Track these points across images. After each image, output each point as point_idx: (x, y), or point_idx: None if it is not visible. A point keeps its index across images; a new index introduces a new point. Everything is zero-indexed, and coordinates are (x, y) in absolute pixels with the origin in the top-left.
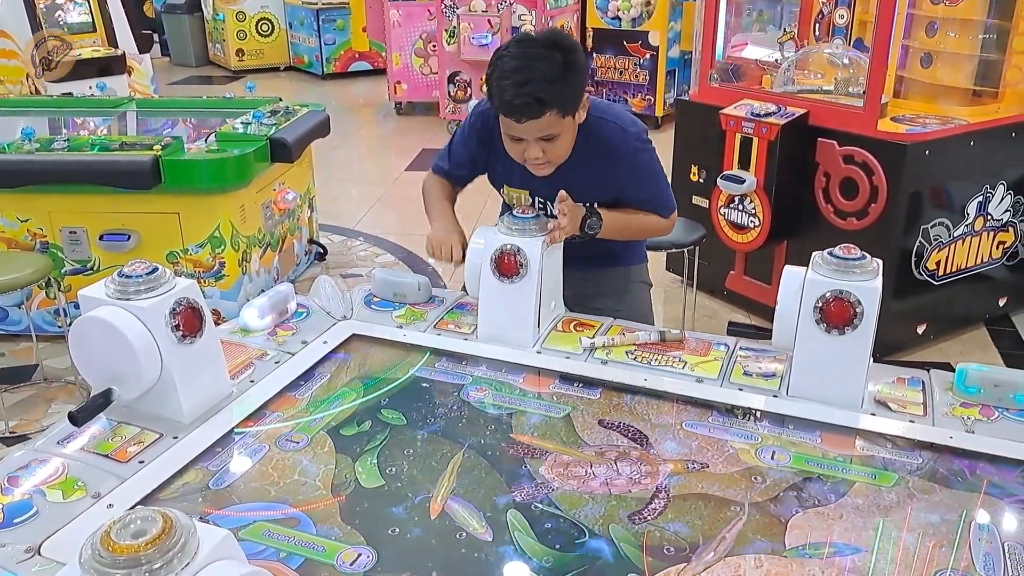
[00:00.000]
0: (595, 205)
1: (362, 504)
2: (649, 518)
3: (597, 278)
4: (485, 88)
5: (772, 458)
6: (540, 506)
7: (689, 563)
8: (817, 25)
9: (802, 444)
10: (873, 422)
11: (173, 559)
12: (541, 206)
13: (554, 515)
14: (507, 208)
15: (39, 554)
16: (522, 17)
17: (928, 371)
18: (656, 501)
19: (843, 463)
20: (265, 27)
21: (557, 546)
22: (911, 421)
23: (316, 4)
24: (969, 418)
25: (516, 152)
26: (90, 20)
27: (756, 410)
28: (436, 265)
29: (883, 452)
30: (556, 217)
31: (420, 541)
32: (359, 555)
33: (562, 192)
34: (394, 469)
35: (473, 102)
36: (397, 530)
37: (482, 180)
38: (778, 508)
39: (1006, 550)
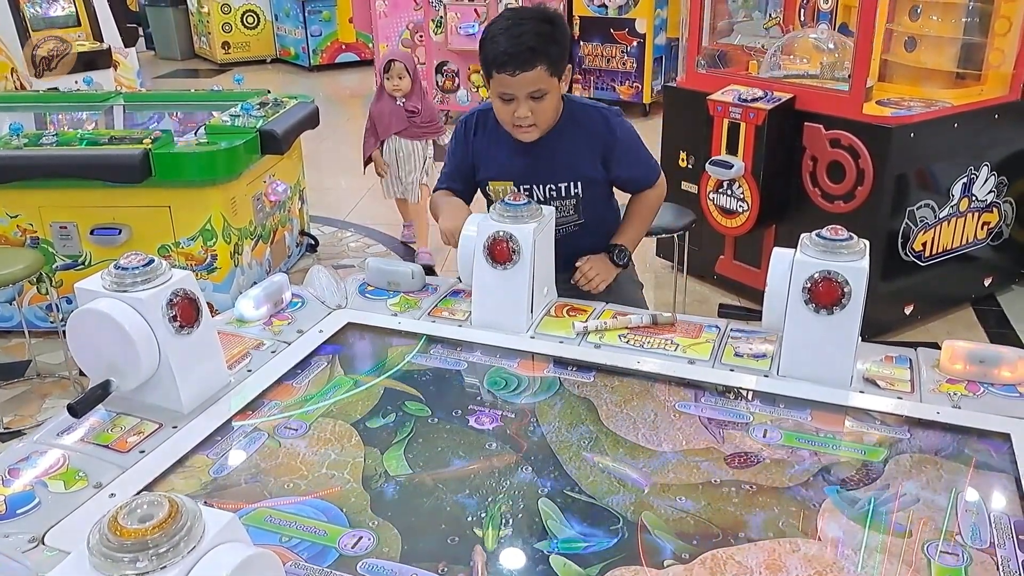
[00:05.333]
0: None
1: (398, 496)
2: None
3: None
4: (479, 53)
5: (764, 436)
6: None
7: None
8: (802, 10)
9: (793, 422)
10: (862, 399)
11: (179, 543)
12: (527, 191)
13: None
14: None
15: (43, 543)
16: (508, 7)
17: (915, 349)
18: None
19: (833, 440)
20: (251, 19)
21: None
22: (899, 398)
23: None
24: (955, 394)
25: (506, 115)
26: (74, 14)
27: (747, 390)
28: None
29: (872, 428)
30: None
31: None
32: (360, 538)
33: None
34: (422, 460)
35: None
36: (443, 524)
37: None
38: (808, 493)
39: (992, 520)
